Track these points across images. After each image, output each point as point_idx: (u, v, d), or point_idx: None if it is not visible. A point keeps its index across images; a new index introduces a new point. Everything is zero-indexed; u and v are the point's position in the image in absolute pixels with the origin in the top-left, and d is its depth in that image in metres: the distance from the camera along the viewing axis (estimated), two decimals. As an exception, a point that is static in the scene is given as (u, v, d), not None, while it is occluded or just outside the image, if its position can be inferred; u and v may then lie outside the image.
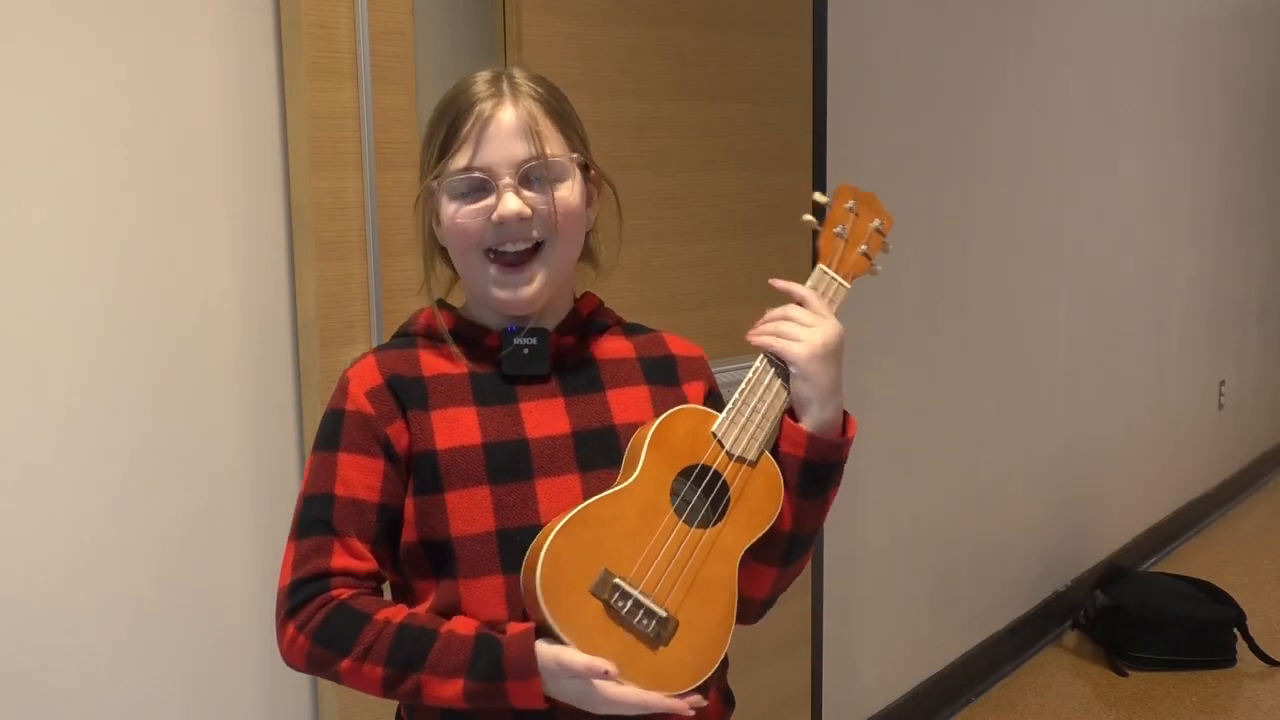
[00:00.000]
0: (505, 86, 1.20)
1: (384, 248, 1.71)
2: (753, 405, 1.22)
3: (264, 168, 1.66)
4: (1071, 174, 3.68)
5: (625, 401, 1.25)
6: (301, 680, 1.75)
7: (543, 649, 1.11)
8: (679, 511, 1.17)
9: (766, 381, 1.23)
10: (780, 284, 1.28)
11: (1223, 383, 5.00)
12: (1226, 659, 3.53)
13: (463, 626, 1.14)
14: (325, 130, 1.64)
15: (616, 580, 1.13)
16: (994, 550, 3.45)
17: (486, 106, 1.19)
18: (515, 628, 1.13)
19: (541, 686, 1.10)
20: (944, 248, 3.09)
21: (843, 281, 1.32)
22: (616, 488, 1.17)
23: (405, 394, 1.20)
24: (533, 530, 1.15)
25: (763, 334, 1.25)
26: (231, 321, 1.64)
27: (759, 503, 1.21)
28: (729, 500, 1.20)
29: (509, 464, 1.18)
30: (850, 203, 1.35)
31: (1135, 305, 4.19)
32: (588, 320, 1.29)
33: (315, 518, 1.17)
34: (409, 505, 1.19)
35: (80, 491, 1.53)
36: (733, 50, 2.20)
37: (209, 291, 1.62)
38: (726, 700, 1.34)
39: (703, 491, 1.18)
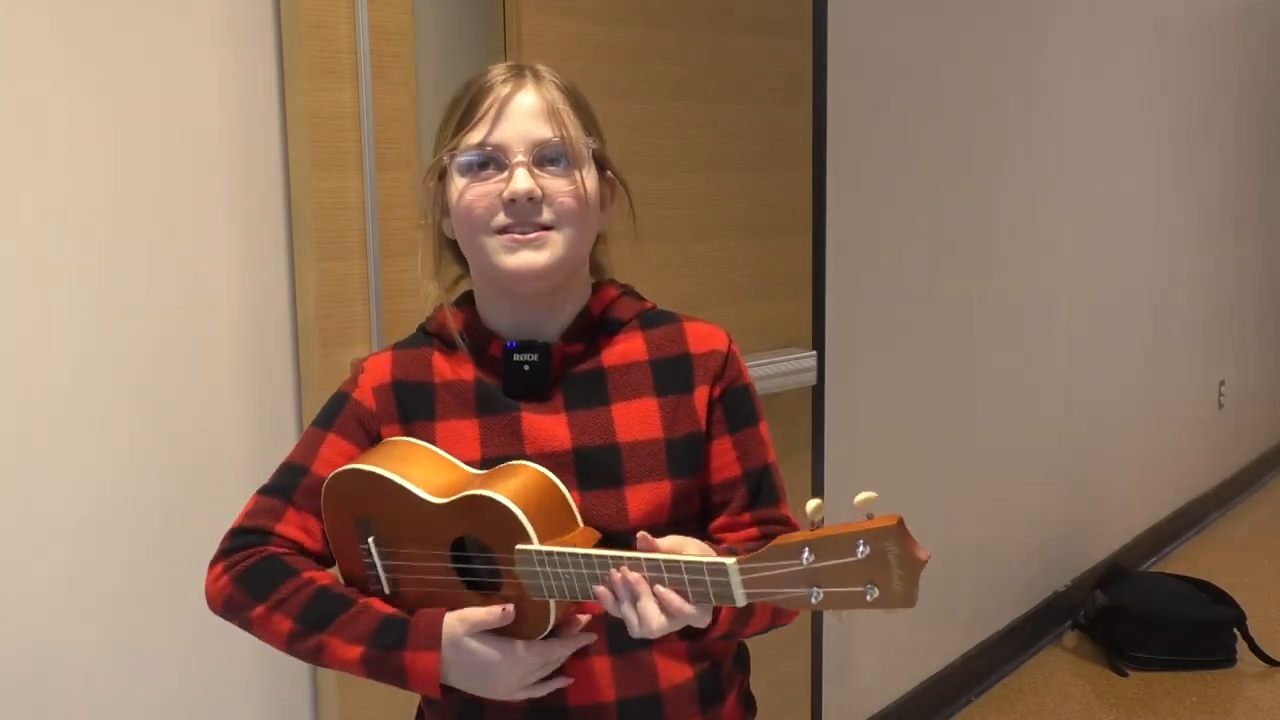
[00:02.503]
0: (527, 73, 1.19)
1: (384, 248, 1.71)
2: (574, 584, 1.06)
3: (264, 168, 1.66)
4: (1072, 174, 3.68)
5: (631, 417, 1.19)
6: (301, 681, 1.75)
7: (447, 616, 1.12)
8: (454, 561, 1.15)
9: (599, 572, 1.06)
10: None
11: (1223, 383, 5.00)
12: (1226, 659, 3.53)
13: (380, 606, 1.15)
14: (325, 130, 1.64)
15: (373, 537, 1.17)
16: (994, 550, 3.45)
17: (507, 88, 1.17)
18: (422, 611, 1.15)
19: (439, 663, 1.11)
20: (944, 247, 3.09)
21: (739, 598, 1.00)
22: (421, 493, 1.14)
23: (411, 401, 1.21)
24: None
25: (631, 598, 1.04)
26: (231, 321, 1.64)
27: (518, 618, 1.12)
28: (500, 588, 1.13)
29: None
30: (863, 546, 0.94)
31: (1135, 305, 4.19)
32: (600, 320, 1.23)
33: (283, 483, 1.20)
34: None
35: (80, 491, 1.53)
36: (733, 50, 2.20)
37: (209, 291, 1.62)
38: (747, 706, 1.32)
39: (482, 561, 1.14)
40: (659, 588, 1.02)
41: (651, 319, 1.26)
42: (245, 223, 1.65)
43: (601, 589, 1.05)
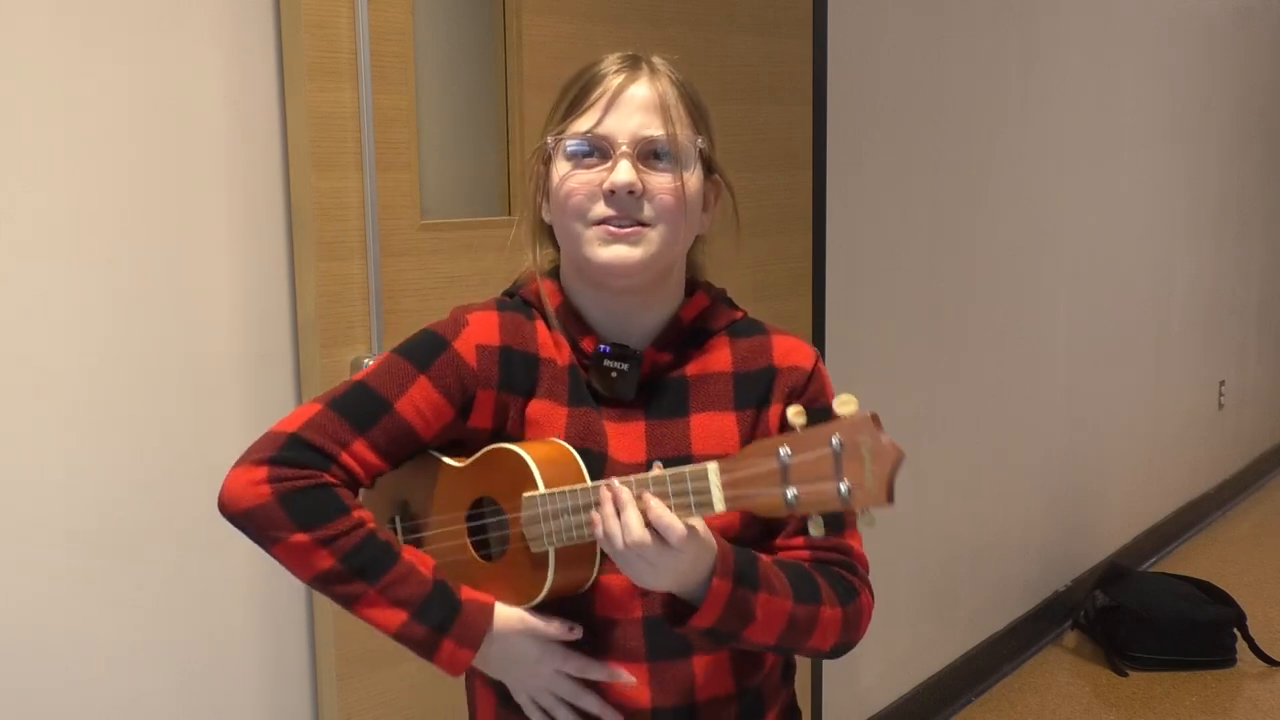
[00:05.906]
0: (643, 65, 1.17)
1: (384, 248, 1.71)
2: (571, 518, 1.08)
3: (264, 168, 1.66)
4: (1072, 173, 3.68)
5: (708, 431, 1.17)
6: (302, 679, 1.75)
7: (504, 610, 1.13)
8: (470, 521, 1.18)
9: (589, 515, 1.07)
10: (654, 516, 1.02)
11: (1223, 383, 5.00)
12: (1226, 659, 3.53)
13: (422, 564, 1.14)
14: (325, 130, 1.64)
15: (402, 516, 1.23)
16: (994, 550, 3.45)
17: (620, 78, 1.15)
18: (471, 594, 1.13)
19: (471, 660, 1.11)
20: (944, 247, 3.09)
21: (717, 501, 1.00)
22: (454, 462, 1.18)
23: (514, 372, 1.17)
24: None
25: (612, 538, 1.04)
26: (231, 321, 1.64)
27: (519, 580, 1.14)
28: (506, 553, 1.15)
29: None
30: (836, 438, 0.93)
31: (1135, 305, 4.19)
32: (690, 329, 1.22)
33: (359, 408, 1.14)
34: None
35: (80, 490, 1.53)
36: (733, 50, 2.20)
37: (209, 292, 1.62)
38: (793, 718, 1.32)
39: (494, 525, 1.16)
40: (645, 494, 1.02)
41: (741, 329, 1.24)
42: (245, 223, 1.65)
43: (594, 513, 1.05)
